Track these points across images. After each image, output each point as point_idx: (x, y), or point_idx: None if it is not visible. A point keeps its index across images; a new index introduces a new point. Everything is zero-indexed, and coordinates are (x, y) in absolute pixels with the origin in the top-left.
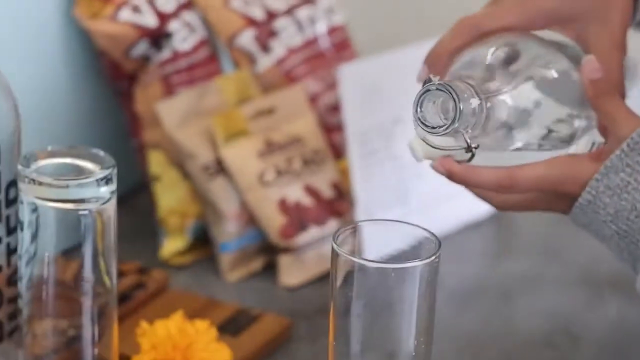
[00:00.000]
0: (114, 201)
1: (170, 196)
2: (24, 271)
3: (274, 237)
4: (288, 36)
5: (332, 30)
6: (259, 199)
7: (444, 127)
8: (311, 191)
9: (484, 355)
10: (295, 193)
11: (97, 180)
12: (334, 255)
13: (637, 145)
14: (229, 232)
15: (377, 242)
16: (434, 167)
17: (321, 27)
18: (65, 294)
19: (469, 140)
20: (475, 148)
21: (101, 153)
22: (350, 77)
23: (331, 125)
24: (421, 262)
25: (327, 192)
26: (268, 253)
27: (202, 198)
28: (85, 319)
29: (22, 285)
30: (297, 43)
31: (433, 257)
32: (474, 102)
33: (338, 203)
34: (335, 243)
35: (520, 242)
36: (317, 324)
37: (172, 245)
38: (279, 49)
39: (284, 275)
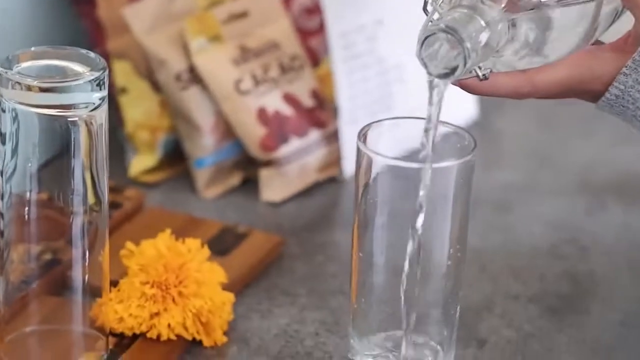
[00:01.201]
0: (105, 107)
1: (138, 109)
2: (5, 188)
3: (253, 150)
4: None
5: None
6: (237, 109)
7: (450, 75)
8: (291, 100)
9: (491, 269)
10: (274, 102)
11: (87, 82)
12: (361, 155)
13: None
14: (205, 146)
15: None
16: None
17: None
18: (51, 214)
19: (480, 73)
20: (490, 72)
21: (91, 54)
22: None
23: (307, 30)
24: (458, 162)
25: (307, 100)
26: (247, 167)
27: (174, 110)
28: (75, 240)
29: (3, 204)
30: None
31: (470, 156)
32: (484, 36)
33: (319, 112)
34: (361, 140)
35: (509, 150)
36: (308, 240)
37: (141, 162)
38: None
39: (266, 190)
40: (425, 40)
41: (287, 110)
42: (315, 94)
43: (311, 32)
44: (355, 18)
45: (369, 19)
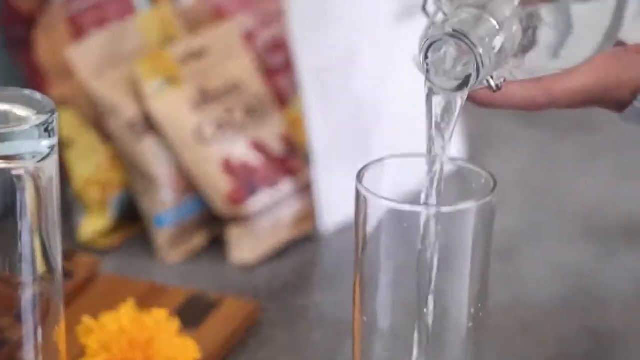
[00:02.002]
0: (55, 158)
1: (87, 164)
2: None
3: (219, 205)
4: None
5: None
6: (198, 160)
7: (462, 88)
8: (259, 147)
9: (500, 326)
10: (240, 150)
11: (33, 128)
12: (361, 200)
13: None
14: (164, 202)
15: (399, 183)
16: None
17: None
18: None
19: (493, 83)
20: (503, 82)
21: (37, 95)
22: (299, 3)
23: (272, 68)
24: (476, 204)
25: (276, 147)
26: (213, 225)
27: (127, 163)
28: (25, 316)
29: None
30: None
31: (490, 197)
32: (498, 40)
33: (289, 159)
34: (361, 183)
35: (505, 191)
36: (287, 305)
37: (92, 224)
38: None
39: (236, 249)
40: (429, 47)
41: (255, 158)
42: (285, 140)
43: (277, 70)
44: (327, 51)
45: (342, 51)
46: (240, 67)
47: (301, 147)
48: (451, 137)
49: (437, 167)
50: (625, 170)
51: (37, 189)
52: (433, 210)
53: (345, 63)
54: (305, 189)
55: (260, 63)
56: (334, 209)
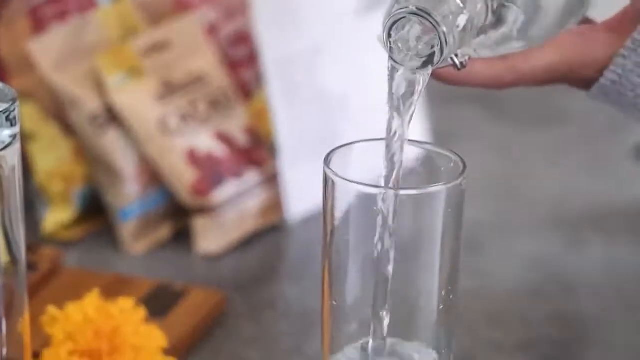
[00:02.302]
0: (17, 147)
1: (49, 157)
2: None
3: (184, 196)
4: None
5: None
6: (163, 151)
7: (426, 66)
8: (223, 138)
9: (471, 314)
10: (204, 142)
11: None
12: (329, 184)
13: None
14: (129, 195)
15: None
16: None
17: None
18: None
19: (457, 61)
20: (467, 60)
21: None
22: None
23: (235, 61)
24: (446, 186)
25: (241, 138)
26: (178, 217)
27: (90, 156)
28: None
29: None
30: None
31: (460, 179)
32: (462, 19)
33: (255, 151)
34: (329, 167)
35: (471, 184)
36: (254, 296)
37: (56, 217)
38: None
39: (202, 240)
40: (392, 25)
41: (219, 150)
42: (250, 131)
43: (241, 62)
44: (292, 44)
45: (306, 45)
46: (204, 60)
47: (266, 139)
48: (412, 117)
49: (396, 147)
50: (590, 161)
51: (0, 180)
52: (403, 193)
53: (311, 56)
54: (271, 180)
55: (224, 56)
56: (300, 200)
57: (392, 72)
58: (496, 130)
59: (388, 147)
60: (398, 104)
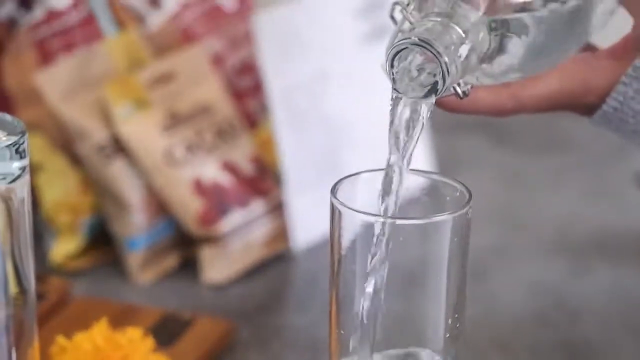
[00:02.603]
0: (27, 179)
1: (56, 188)
2: None
3: (191, 226)
4: None
5: None
6: (170, 181)
7: (428, 96)
8: (229, 168)
9: (477, 341)
10: (210, 171)
11: (4, 149)
12: (336, 214)
13: None
14: (136, 225)
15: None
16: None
17: None
18: None
19: (460, 90)
20: (470, 89)
21: (7, 117)
22: (269, 25)
23: (241, 90)
24: (453, 215)
25: (247, 168)
26: (185, 246)
27: (97, 187)
28: None
29: None
30: None
31: (466, 208)
32: (464, 49)
33: (260, 180)
34: (335, 197)
35: (477, 210)
36: (261, 325)
37: (63, 247)
38: (170, 3)
39: (208, 270)
40: (395, 56)
41: (225, 179)
42: (255, 160)
43: (246, 92)
44: (297, 72)
45: (311, 72)
46: (209, 90)
47: (272, 168)
48: (414, 147)
49: (396, 177)
50: (593, 187)
51: (9, 211)
52: (409, 223)
53: (315, 84)
54: (277, 209)
55: (229, 86)
56: (306, 229)
57: (395, 102)
58: (499, 158)
59: (386, 178)
60: (398, 135)
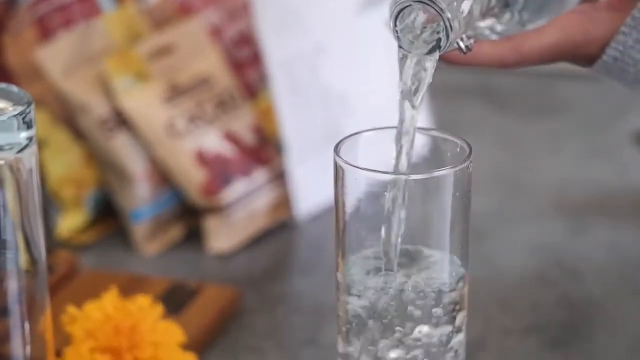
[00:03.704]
0: (34, 149)
1: (60, 162)
2: None
3: (195, 196)
4: None
5: None
6: (172, 153)
7: (433, 51)
8: (231, 138)
9: (480, 301)
10: (212, 142)
11: (11, 119)
12: (339, 172)
13: None
14: (140, 196)
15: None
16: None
17: None
18: None
19: (463, 45)
20: (473, 43)
21: (13, 88)
22: None
23: (240, 61)
24: (454, 169)
25: (248, 137)
26: (189, 217)
27: (101, 160)
28: (11, 308)
29: None
30: None
31: (467, 162)
32: (466, 4)
33: (262, 149)
34: (339, 155)
35: (476, 175)
36: (266, 291)
37: (69, 221)
38: None
39: (213, 240)
40: (398, 14)
41: (227, 149)
42: (256, 130)
43: (245, 63)
44: (295, 44)
45: (309, 44)
46: (209, 62)
47: (272, 137)
48: (421, 101)
49: (409, 131)
50: (591, 149)
51: (18, 181)
52: (412, 178)
53: (313, 54)
54: (279, 178)
55: (228, 57)
56: (308, 196)
57: (402, 59)
58: (498, 123)
59: (399, 133)
60: (408, 90)
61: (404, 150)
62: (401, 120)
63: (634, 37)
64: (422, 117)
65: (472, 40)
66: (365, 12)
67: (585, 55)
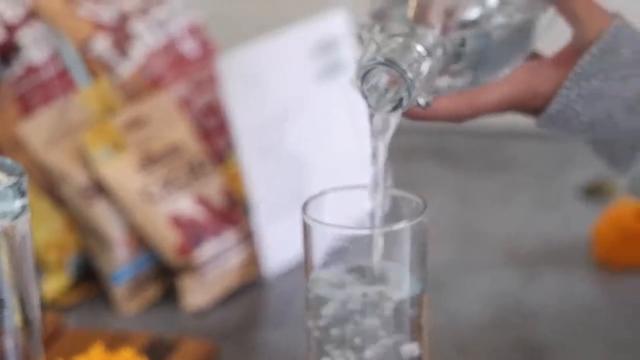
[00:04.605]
0: (28, 217)
1: (43, 229)
2: None
3: (170, 257)
4: (146, 39)
5: (191, 29)
6: (148, 217)
7: (396, 109)
8: (202, 202)
9: (442, 347)
10: (185, 206)
11: (6, 189)
12: (308, 229)
13: (609, 47)
14: (119, 259)
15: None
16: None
17: (179, 26)
18: None
19: (423, 102)
20: (432, 100)
21: (7, 160)
22: (232, 68)
23: (208, 130)
24: (410, 223)
25: (218, 201)
26: (166, 276)
27: (82, 226)
28: None
29: None
30: (157, 45)
31: (421, 217)
32: (425, 65)
33: (231, 211)
34: (306, 214)
35: (433, 229)
36: (240, 343)
37: (53, 284)
38: (138, 53)
39: (189, 296)
40: (365, 75)
41: (199, 212)
42: (225, 194)
43: (213, 131)
44: (260, 109)
45: (274, 112)
46: (179, 132)
47: (241, 200)
48: (386, 154)
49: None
50: (537, 203)
51: (12, 246)
52: (375, 232)
53: (279, 121)
54: (248, 238)
55: (197, 126)
56: (277, 254)
57: (370, 116)
58: (453, 179)
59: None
60: (375, 144)
61: (378, 197)
62: (374, 160)
63: (576, 92)
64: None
65: (431, 97)
66: (326, 80)
67: (533, 108)
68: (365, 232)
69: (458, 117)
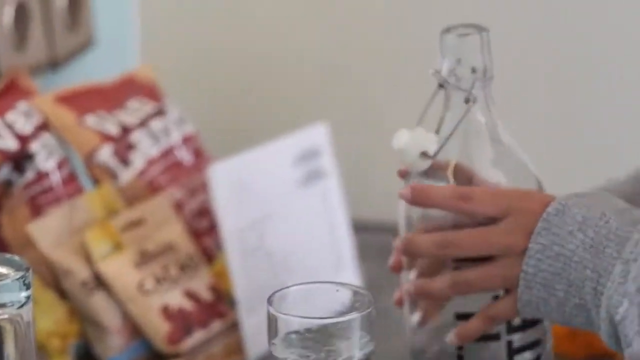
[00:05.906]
0: (31, 306)
1: (48, 319)
2: None
3: (160, 345)
4: (145, 148)
5: (186, 139)
6: (142, 309)
7: None
8: (191, 295)
9: None
10: (176, 299)
11: (14, 282)
12: (272, 320)
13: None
14: (114, 346)
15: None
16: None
17: (175, 137)
18: None
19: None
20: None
21: (15, 257)
22: (221, 175)
23: (199, 231)
24: (360, 314)
25: (206, 294)
26: None
27: (82, 315)
28: None
29: None
30: (155, 154)
31: (369, 309)
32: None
33: (218, 304)
34: (271, 306)
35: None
36: None
37: None
38: (138, 161)
39: None
40: None
41: (188, 305)
42: (213, 288)
43: (203, 232)
44: (246, 214)
45: (257, 215)
46: (173, 232)
47: (227, 294)
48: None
49: None
50: None
51: (17, 332)
52: (329, 322)
53: (261, 223)
54: (233, 328)
55: (190, 227)
56: (258, 342)
57: None
58: None
59: None
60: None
61: None
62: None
63: None
64: (350, 275)
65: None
66: (305, 185)
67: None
68: (321, 321)
69: (457, 197)
